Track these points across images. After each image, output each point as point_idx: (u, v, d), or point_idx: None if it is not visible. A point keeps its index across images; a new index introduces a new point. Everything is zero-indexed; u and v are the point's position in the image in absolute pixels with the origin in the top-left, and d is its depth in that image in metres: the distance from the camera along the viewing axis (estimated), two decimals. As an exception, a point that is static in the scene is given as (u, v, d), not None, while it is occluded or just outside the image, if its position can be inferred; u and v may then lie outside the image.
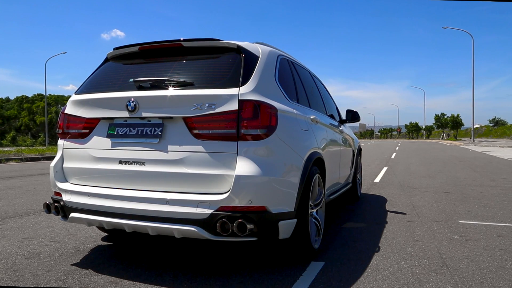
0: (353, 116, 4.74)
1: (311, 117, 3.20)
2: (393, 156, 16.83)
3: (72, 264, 2.80)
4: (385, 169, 10.65)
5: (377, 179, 8.23)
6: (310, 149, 2.90)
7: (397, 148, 26.42)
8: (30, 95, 51.32)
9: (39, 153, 15.94)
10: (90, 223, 2.66)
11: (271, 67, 2.78)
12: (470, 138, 44.13)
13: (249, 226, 2.24)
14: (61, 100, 51.40)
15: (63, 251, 3.12)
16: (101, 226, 2.83)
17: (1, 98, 53.17)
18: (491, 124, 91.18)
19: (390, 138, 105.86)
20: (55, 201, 2.75)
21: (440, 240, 3.45)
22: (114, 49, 2.98)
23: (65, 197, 2.69)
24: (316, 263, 2.82)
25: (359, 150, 5.71)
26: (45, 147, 27.97)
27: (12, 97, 53.29)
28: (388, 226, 3.97)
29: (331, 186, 3.87)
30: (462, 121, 75.58)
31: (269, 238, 2.46)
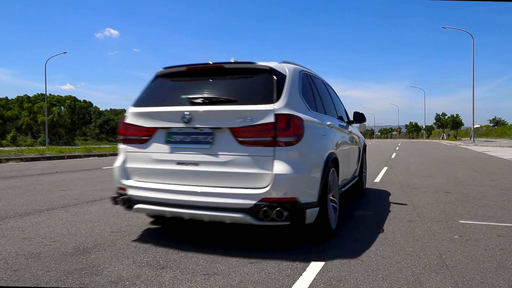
0: (359, 117, 5.25)
1: (328, 123, 3.70)
2: (393, 156, 16.83)
3: (72, 264, 2.80)
4: (385, 169, 10.65)
5: (377, 179, 8.22)
6: (328, 150, 3.44)
7: (397, 148, 26.42)
8: (30, 95, 51.33)
9: (39, 153, 15.93)
10: (152, 213, 3.21)
11: (296, 83, 3.26)
12: (470, 138, 44.13)
13: (285, 213, 2.76)
14: (55, 101, 51.48)
15: (63, 251, 3.12)
16: (161, 215, 3.38)
17: (1, 98, 53.12)
18: (491, 124, 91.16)
19: (390, 138, 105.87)
20: (121, 194, 3.22)
21: (440, 240, 3.45)
22: (164, 68, 3.46)
23: (130, 192, 3.16)
24: (316, 263, 2.82)
25: (364, 147, 6.27)
26: (45, 147, 27.97)
27: (11, 97, 53.26)
28: (388, 226, 3.96)
29: (343, 179, 4.40)
30: (462, 121, 75.56)
31: (298, 223, 2.94)
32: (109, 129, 55.11)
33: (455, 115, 74.33)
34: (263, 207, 2.75)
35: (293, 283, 2.46)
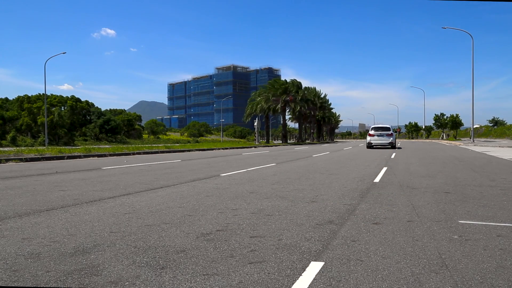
0: (395, 130, 31.40)
1: (394, 133, 29.25)
2: (392, 156, 16.85)
3: (71, 264, 2.80)
4: (384, 169, 10.64)
5: (377, 179, 8.20)
6: (396, 137, 30.48)
7: (396, 148, 26.60)
8: (30, 95, 51.20)
9: (39, 153, 15.92)
10: (374, 146, 28.32)
11: (392, 129, 29.25)
12: (470, 138, 44.14)
13: (392, 145, 27.85)
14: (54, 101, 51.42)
15: (62, 251, 3.11)
16: (373, 146, 28.64)
17: (1, 98, 53.01)
18: (491, 124, 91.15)
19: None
20: (369, 143, 28.20)
21: (440, 240, 3.45)
22: (373, 126, 29.95)
23: (371, 142, 28.17)
24: (316, 263, 2.82)
25: (395, 138, 29.23)
26: (45, 147, 27.93)
27: (11, 98, 53.12)
28: (388, 226, 3.96)
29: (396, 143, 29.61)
30: (462, 121, 75.60)
31: (393, 146, 27.72)
32: (108, 129, 54.91)
33: (454, 115, 74.37)
34: (390, 142, 27.27)
35: (293, 283, 2.46)
